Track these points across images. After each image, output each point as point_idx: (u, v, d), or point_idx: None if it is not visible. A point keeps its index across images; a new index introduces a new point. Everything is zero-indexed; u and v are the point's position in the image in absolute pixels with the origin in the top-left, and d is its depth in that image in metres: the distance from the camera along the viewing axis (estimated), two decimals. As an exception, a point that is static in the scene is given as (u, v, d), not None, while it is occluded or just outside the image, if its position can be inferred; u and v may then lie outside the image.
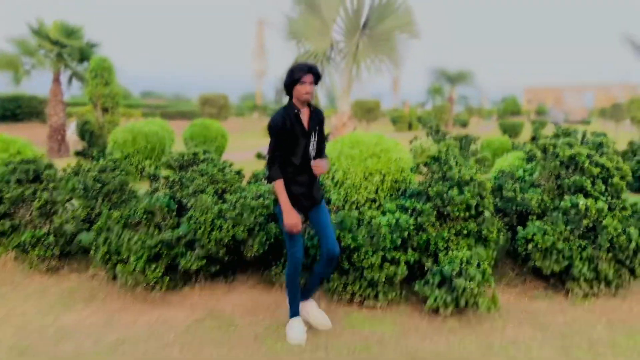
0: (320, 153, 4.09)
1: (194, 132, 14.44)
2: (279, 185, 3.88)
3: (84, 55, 18.09)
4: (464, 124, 45.97)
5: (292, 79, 3.85)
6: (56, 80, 18.34)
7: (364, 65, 10.84)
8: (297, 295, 4.16)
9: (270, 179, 3.91)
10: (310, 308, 4.30)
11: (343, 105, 11.25)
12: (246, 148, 20.08)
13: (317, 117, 4.04)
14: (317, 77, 3.93)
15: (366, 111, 37.05)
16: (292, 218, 3.85)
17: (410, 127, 42.70)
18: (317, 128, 4.02)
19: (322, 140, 4.08)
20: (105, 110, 15.08)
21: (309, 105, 4.02)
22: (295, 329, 4.11)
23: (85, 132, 11.27)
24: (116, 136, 9.98)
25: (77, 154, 7.87)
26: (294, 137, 3.89)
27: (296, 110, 3.91)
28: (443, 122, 35.24)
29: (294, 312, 4.17)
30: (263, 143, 21.99)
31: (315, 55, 10.84)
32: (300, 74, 3.83)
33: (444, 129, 16.85)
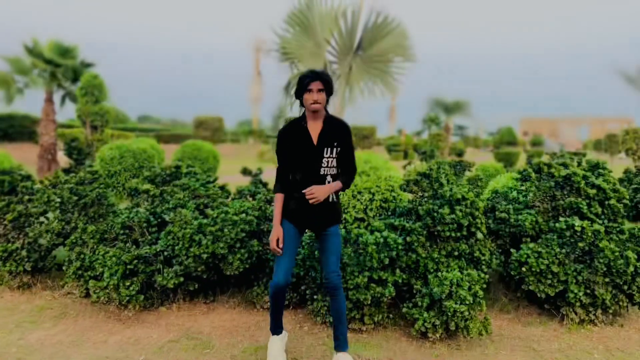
0: (345, 170, 3.73)
1: (185, 152, 14.26)
2: (275, 200, 3.68)
3: (77, 75, 17.98)
4: (460, 154, 45.96)
5: (300, 87, 3.55)
6: (48, 99, 18.19)
7: (357, 88, 10.73)
8: (275, 312, 3.77)
9: (275, 190, 3.74)
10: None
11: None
12: (238, 171, 19.85)
13: (333, 131, 3.63)
14: (327, 85, 3.57)
15: (362, 138, 36.99)
16: (272, 234, 3.60)
17: (406, 155, 42.64)
18: (334, 143, 3.62)
19: (344, 157, 3.69)
20: (94, 128, 14.89)
21: (327, 117, 3.68)
22: (274, 350, 3.83)
23: (72, 149, 11.06)
24: (103, 153, 9.78)
25: (64, 171, 7.67)
26: (297, 151, 3.60)
27: (303, 123, 3.62)
28: (439, 151, 35.17)
29: (271, 328, 3.87)
30: (256, 167, 21.83)
31: (309, 77, 10.73)
32: (307, 80, 3.50)
33: (438, 155, 16.69)
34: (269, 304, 3.89)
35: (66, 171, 8.04)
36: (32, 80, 17.54)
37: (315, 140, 3.60)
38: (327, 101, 3.69)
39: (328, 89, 3.59)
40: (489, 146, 66.14)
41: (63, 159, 18.95)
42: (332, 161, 3.63)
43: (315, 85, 3.51)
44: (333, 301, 3.71)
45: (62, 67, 17.40)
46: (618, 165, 33.01)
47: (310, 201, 3.51)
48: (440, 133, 41.32)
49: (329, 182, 3.62)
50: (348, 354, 3.74)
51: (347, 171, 3.75)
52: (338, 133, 3.65)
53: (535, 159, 5.98)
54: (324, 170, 3.62)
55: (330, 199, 3.68)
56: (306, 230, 4.00)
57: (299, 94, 3.59)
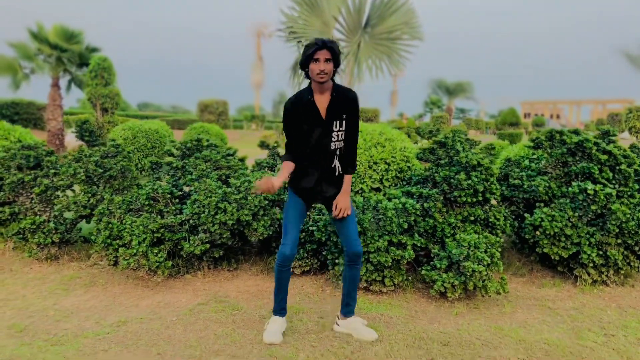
0: (348, 146, 3.58)
1: (192, 135, 14.39)
2: (282, 166, 3.53)
3: (83, 60, 18.03)
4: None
5: (305, 57, 3.31)
6: (55, 85, 18.27)
7: (365, 66, 10.82)
8: (280, 292, 3.74)
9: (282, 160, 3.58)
10: (355, 325, 3.83)
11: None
12: (243, 153, 20.03)
13: (341, 103, 3.46)
14: (334, 55, 3.33)
15: (365, 120, 37.07)
16: (267, 179, 3.38)
17: (408, 138, 42.72)
18: (343, 116, 3.47)
19: (350, 130, 3.54)
20: (104, 110, 15.01)
21: (335, 88, 3.48)
22: (270, 329, 3.73)
23: (84, 131, 11.18)
24: (116, 134, 9.91)
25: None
26: (305, 125, 3.45)
27: (310, 97, 3.43)
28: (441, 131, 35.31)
29: (274, 309, 3.80)
30: (262, 153, 21.99)
31: (317, 56, 10.81)
32: (314, 49, 3.26)
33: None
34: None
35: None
36: (39, 65, 17.60)
37: (323, 114, 3.45)
38: (335, 72, 3.46)
39: (335, 60, 3.36)
40: (491, 128, 66.16)
41: (70, 144, 19.09)
42: (342, 135, 3.51)
43: (322, 55, 3.29)
44: (353, 268, 3.73)
45: (68, 52, 17.46)
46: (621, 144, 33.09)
47: (342, 215, 3.56)
48: (442, 115, 41.42)
49: (337, 158, 3.56)
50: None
51: (350, 149, 3.61)
52: (347, 104, 3.48)
53: (534, 132, 6.10)
54: (334, 145, 3.51)
55: (337, 173, 3.61)
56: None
57: (304, 65, 3.38)
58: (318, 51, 3.29)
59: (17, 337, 3.74)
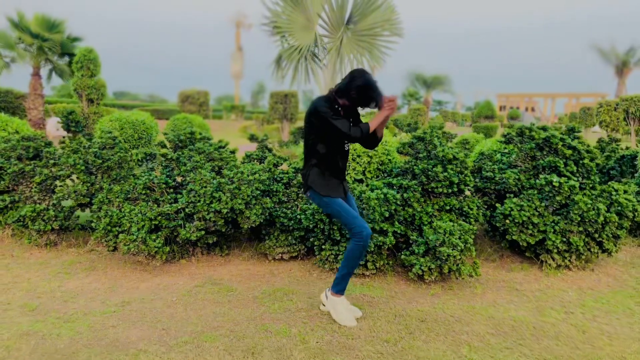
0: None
1: (175, 125, 14.61)
2: (373, 120, 3.83)
3: (65, 49, 18.06)
4: (440, 128, 46.73)
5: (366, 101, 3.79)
6: (36, 74, 18.28)
7: (347, 61, 11.17)
8: (351, 274, 4.06)
9: (364, 129, 3.79)
10: (338, 306, 4.10)
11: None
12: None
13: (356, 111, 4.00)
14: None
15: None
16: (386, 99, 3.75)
17: (386, 129, 43.17)
18: (350, 120, 3.95)
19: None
20: (90, 101, 15.14)
21: None
22: (346, 311, 4.05)
23: (70, 122, 11.32)
24: (104, 125, 10.12)
25: (62, 143, 7.98)
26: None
27: (337, 106, 3.84)
28: (420, 124, 35.78)
29: (342, 290, 4.07)
30: (242, 142, 22.23)
31: (300, 50, 11.14)
32: (378, 100, 3.76)
33: (423, 128, 17.26)
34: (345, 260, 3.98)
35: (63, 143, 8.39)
36: (19, 54, 17.58)
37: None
38: None
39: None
40: (468, 121, 67.11)
41: (51, 134, 19.11)
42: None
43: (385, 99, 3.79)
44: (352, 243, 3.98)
45: (49, 42, 17.47)
46: (592, 138, 34.07)
47: (393, 106, 3.77)
48: (420, 107, 41.95)
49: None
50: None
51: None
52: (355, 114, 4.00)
53: (506, 129, 6.54)
54: (346, 146, 3.98)
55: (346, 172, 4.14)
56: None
57: (363, 102, 3.81)
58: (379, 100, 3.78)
59: (31, 316, 4.04)
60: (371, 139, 3.97)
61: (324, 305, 4.25)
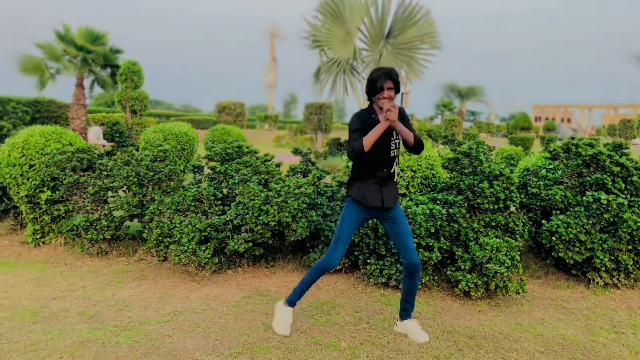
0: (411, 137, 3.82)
1: (214, 136, 14.86)
2: (369, 135, 3.66)
3: (107, 61, 18.58)
4: (474, 139, 46.28)
5: (374, 87, 3.72)
6: (79, 85, 18.80)
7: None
8: (304, 290, 4.02)
9: (356, 148, 3.65)
10: (410, 327, 4.09)
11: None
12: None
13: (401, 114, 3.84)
14: (396, 84, 3.78)
15: (377, 123, 37.30)
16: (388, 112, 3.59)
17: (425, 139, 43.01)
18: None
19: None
20: (134, 112, 15.54)
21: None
22: (284, 321, 4.05)
23: (115, 132, 11.67)
24: (148, 136, 10.38)
25: (108, 154, 8.24)
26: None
27: (374, 116, 3.81)
28: (456, 136, 35.61)
29: (291, 302, 4.06)
30: (276, 152, 22.46)
31: (339, 63, 11.26)
32: (381, 82, 3.69)
33: (458, 139, 17.22)
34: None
35: (109, 154, 8.66)
36: (64, 66, 18.14)
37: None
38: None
39: (397, 88, 3.79)
40: (501, 131, 66.37)
41: (92, 141, 19.62)
42: (398, 142, 3.86)
43: (387, 84, 3.70)
44: (412, 279, 3.95)
45: (93, 53, 18.00)
46: (632, 150, 33.36)
47: (390, 116, 3.60)
48: (454, 118, 41.71)
49: (396, 163, 3.91)
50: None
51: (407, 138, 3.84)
52: (400, 118, 3.83)
53: (551, 144, 6.49)
54: (393, 153, 3.86)
55: (395, 178, 3.94)
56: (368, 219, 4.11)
57: (372, 92, 3.76)
58: (385, 81, 3.70)
59: (89, 323, 4.20)
60: (410, 147, 3.83)
61: (396, 325, 4.19)
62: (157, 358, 3.59)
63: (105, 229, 5.80)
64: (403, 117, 3.87)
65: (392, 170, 3.90)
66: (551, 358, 3.83)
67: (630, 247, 5.25)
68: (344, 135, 25.71)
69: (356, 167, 3.93)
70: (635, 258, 5.32)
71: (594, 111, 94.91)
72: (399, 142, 3.88)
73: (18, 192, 6.18)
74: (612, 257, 5.26)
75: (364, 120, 3.80)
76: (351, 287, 5.29)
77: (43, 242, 6.41)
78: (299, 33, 11.94)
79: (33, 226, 6.33)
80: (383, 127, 3.66)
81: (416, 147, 3.85)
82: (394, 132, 3.82)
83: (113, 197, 5.99)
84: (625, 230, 5.17)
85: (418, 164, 6.15)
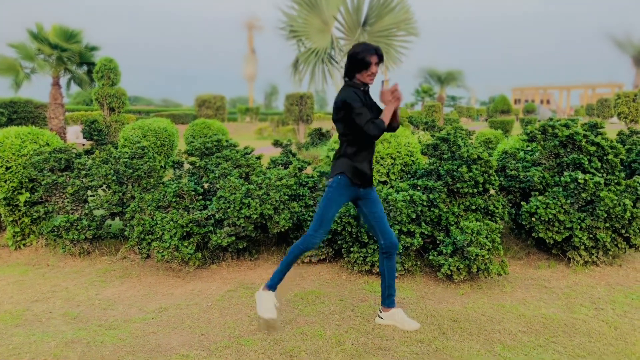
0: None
1: (195, 131, 14.78)
2: (384, 116, 3.62)
3: (83, 59, 18.29)
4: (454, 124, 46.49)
5: (359, 63, 3.64)
6: (56, 84, 18.51)
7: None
8: (285, 272, 3.87)
9: (380, 125, 3.57)
10: (398, 316, 4.04)
11: (344, 101, 11.65)
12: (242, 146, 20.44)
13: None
14: (381, 59, 3.77)
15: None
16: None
17: (402, 125, 43.08)
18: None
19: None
20: (111, 109, 15.37)
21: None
22: (267, 303, 3.81)
23: (93, 130, 11.56)
24: (127, 133, 10.29)
25: (87, 153, 8.15)
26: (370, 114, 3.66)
27: (363, 88, 3.72)
28: (436, 122, 35.73)
29: (272, 286, 3.85)
30: (258, 145, 22.39)
31: (317, 53, 11.23)
32: (369, 55, 3.62)
33: (439, 124, 17.30)
34: (287, 257, 3.87)
35: (87, 153, 8.57)
36: (39, 65, 17.84)
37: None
38: None
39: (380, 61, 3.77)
40: (482, 116, 66.78)
41: (71, 140, 19.40)
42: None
43: (374, 59, 3.65)
44: (389, 260, 3.93)
45: (68, 52, 17.70)
46: (610, 129, 33.80)
47: (398, 95, 3.63)
48: (434, 104, 41.83)
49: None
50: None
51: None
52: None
53: (529, 127, 6.56)
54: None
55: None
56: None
57: (359, 69, 3.66)
58: (374, 56, 3.64)
59: (73, 324, 4.18)
60: (393, 128, 3.88)
61: (380, 317, 4.13)
62: (143, 355, 3.59)
63: (87, 228, 5.76)
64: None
65: (374, 149, 3.90)
66: (533, 337, 3.90)
67: (607, 225, 5.34)
68: (326, 125, 25.67)
69: (355, 146, 3.78)
70: (613, 235, 5.42)
71: (572, 92, 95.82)
72: None
73: (-4, 195, 6.10)
74: (591, 236, 5.35)
75: (359, 96, 3.67)
76: (335, 275, 5.32)
77: (24, 245, 6.35)
78: (276, 24, 11.86)
79: (13, 229, 6.26)
80: (393, 107, 3.61)
81: (394, 129, 3.92)
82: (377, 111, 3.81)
83: (93, 196, 5.94)
84: (602, 208, 5.26)
85: (398, 151, 6.18)
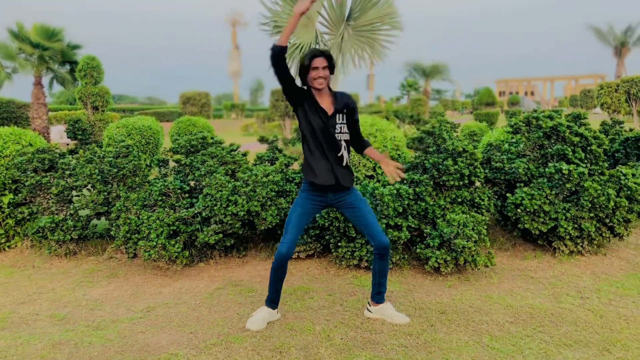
0: (359, 133, 3.95)
1: (180, 128, 14.70)
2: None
3: (65, 57, 18.11)
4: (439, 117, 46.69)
5: (304, 67, 3.65)
6: (38, 83, 18.31)
7: (348, 57, 11.22)
8: (274, 285, 4.00)
9: (274, 47, 3.49)
10: (387, 311, 4.08)
11: (329, 96, 11.62)
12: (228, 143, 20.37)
13: (342, 100, 3.81)
14: (330, 61, 3.73)
15: (344, 106, 37.37)
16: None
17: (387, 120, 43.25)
18: (344, 111, 3.81)
19: (353, 124, 3.88)
20: (95, 108, 15.24)
21: (333, 92, 3.82)
22: (256, 317, 4.01)
23: (77, 130, 11.44)
24: (111, 132, 10.21)
25: (71, 152, 8.07)
26: (313, 121, 3.71)
27: (313, 97, 3.72)
28: (422, 115, 35.86)
29: (266, 299, 4.07)
30: (244, 141, 22.33)
31: (301, 48, 11.19)
32: (311, 58, 3.62)
33: (424, 118, 17.34)
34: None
35: (71, 152, 8.48)
36: (21, 64, 17.63)
37: (328, 110, 3.75)
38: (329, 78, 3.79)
39: (331, 66, 3.73)
40: (467, 108, 67.10)
41: (55, 140, 19.20)
42: (344, 127, 3.80)
43: (320, 62, 3.63)
44: (382, 260, 3.97)
45: (49, 50, 17.52)
46: (593, 120, 34.15)
47: (397, 178, 3.70)
48: (420, 98, 42.03)
49: (344, 147, 3.80)
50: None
51: (360, 134, 3.98)
52: (346, 102, 3.83)
53: (513, 119, 6.59)
54: (339, 136, 3.78)
55: (345, 163, 3.83)
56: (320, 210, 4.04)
57: (303, 74, 3.69)
58: (315, 59, 3.63)
59: (60, 325, 4.14)
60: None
61: (369, 311, 4.17)
62: (132, 355, 3.57)
63: (72, 229, 5.71)
64: (354, 117, 3.89)
65: (339, 154, 3.80)
66: (520, 327, 3.93)
67: (592, 215, 5.40)
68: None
69: (307, 151, 3.85)
70: (597, 225, 5.48)
71: (556, 83, 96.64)
72: (343, 127, 3.81)
73: (-21, 197, 6.02)
74: (576, 226, 5.40)
75: (308, 101, 3.71)
76: (324, 271, 5.32)
77: (8, 247, 6.28)
78: (260, 19, 11.81)
79: (-3, 231, 6.19)
80: (297, 14, 3.48)
81: (362, 147, 4.05)
82: (337, 116, 3.78)
83: (78, 196, 5.89)
84: (586, 198, 5.31)
85: (384, 145, 6.19)
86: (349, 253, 5.18)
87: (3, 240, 6.22)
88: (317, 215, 5.35)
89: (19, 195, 5.96)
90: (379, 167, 6.13)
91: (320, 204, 3.93)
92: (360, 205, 3.91)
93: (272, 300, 4.07)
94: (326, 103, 3.79)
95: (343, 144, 3.82)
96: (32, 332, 4.01)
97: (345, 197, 3.90)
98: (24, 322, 4.22)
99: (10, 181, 6.04)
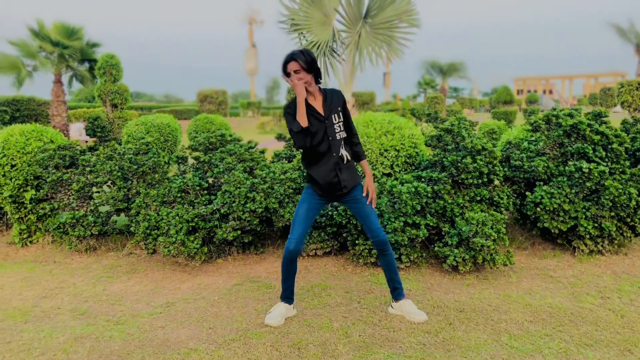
0: (353, 132, 3.91)
1: (198, 126, 14.80)
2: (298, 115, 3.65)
3: (84, 56, 18.31)
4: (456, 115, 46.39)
5: (284, 74, 3.71)
6: (58, 81, 18.54)
7: (366, 54, 11.22)
8: (287, 281, 4.04)
9: (295, 127, 3.65)
10: (406, 307, 4.08)
11: (346, 95, 11.65)
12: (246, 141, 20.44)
13: (333, 99, 3.81)
14: (304, 63, 3.63)
15: (362, 103, 37.47)
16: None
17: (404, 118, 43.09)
18: (338, 109, 3.81)
19: (347, 120, 3.87)
20: (114, 106, 15.40)
21: (321, 89, 3.83)
22: (273, 312, 4.05)
23: (96, 127, 11.57)
24: (130, 129, 10.32)
25: (91, 149, 8.15)
26: (310, 125, 3.71)
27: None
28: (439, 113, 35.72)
29: (281, 295, 4.11)
30: (261, 139, 22.39)
31: (319, 46, 11.21)
32: (283, 63, 3.67)
33: (442, 116, 17.23)
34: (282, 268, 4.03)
35: (91, 149, 8.59)
36: (41, 62, 17.85)
37: (322, 111, 3.75)
38: (318, 79, 3.82)
39: (308, 67, 3.64)
40: (484, 106, 66.62)
41: (74, 138, 19.43)
42: (342, 125, 3.81)
43: (292, 67, 3.63)
44: (384, 256, 3.98)
45: (69, 49, 17.72)
46: (613, 118, 33.71)
47: (373, 200, 3.89)
48: (437, 96, 41.77)
49: (342, 147, 3.80)
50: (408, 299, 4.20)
51: (353, 132, 3.93)
52: (337, 99, 3.82)
53: (533, 116, 6.53)
54: (338, 135, 3.78)
55: (345, 161, 3.82)
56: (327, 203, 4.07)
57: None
58: (287, 64, 3.65)
59: (81, 319, 4.20)
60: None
61: (391, 307, 4.18)
62: (151, 350, 3.61)
63: (92, 224, 5.78)
64: (346, 112, 3.89)
65: (340, 154, 3.79)
66: (540, 326, 3.90)
67: (612, 214, 5.34)
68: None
69: (304, 162, 3.94)
70: (618, 224, 5.42)
71: (575, 81, 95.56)
72: (340, 126, 3.81)
73: (1, 193, 6.13)
74: (596, 225, 5.35)
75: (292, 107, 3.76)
76: (341, 268, 5.33)
77: (30, 242, 6.38)
78: (277, 17, 11.85)
79: (19, 226, 6.29)
80: (300, 100, 3.63)
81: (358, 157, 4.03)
82: (333, 116, 3.77)
83: (98, 192, 5.96)
84: (607, 197, 5.25)
85: (402, 143, 6.18)
86: (367, 251, 5.18)
87: (25, 236, 6.32)
88: (335, 213, 5.36)
89: (41, 191, 6.05)
90: (396, 165, 6.12)
91: (325, 199, 3.99)
92: (363, 202, 3.94)
93: (287, 297, 4.11)
94: (318, 105, 3.79)
95: (342, 143, 3.83)
96: (54, 325, 4.07)
97: (346, 197, 3.95)
98: (46, 316, 4.29)
99: (32, 177, 6.13)
